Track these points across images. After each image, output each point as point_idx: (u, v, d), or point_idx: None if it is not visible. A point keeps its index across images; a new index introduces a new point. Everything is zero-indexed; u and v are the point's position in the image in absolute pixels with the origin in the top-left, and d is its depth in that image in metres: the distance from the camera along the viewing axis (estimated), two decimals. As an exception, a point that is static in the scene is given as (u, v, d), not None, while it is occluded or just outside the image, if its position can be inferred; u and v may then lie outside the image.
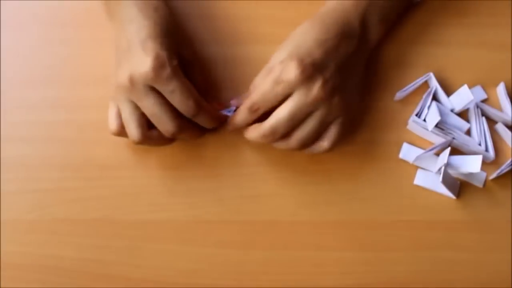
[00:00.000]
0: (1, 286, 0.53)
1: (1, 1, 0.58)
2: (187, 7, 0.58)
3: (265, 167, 0.55)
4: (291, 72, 0.48)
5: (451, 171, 0.54)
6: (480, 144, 0.54)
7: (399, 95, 0.55)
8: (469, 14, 0.58)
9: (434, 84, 0.55)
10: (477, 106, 0.55)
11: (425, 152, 0.54)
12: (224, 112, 0.53)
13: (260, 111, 0.50)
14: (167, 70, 0.47)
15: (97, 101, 0.56)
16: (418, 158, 0.54)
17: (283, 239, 0.54)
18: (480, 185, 0.54)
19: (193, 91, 0.49)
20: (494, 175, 0.54)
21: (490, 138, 0.55)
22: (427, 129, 0.54)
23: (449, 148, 0.53)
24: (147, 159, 0.55)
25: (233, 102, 0.54)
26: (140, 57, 0.47)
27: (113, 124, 0.51)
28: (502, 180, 0.55)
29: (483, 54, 0.57)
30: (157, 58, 0.47)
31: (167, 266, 0.53)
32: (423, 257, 0.54)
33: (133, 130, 0.50)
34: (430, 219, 0.54)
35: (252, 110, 0.50)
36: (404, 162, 0.55)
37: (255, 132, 0.51)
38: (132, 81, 0.47)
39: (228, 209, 0.54)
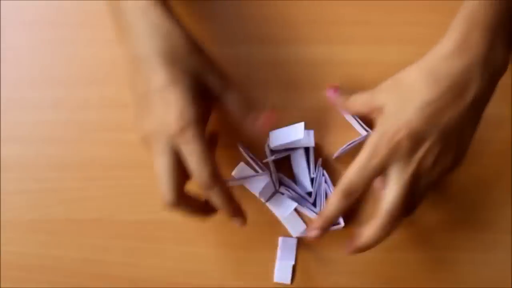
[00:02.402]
0: (1, 286, 0.53)
1: (1, 1, 0.58)
2: (186, 6, 0.58)
3: (265, 167, 0.55)
4: (384, 146, 0.45)
5: (274, 143, 0.52)
6: (315, 204, 0.53)
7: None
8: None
9: None
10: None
11: (346, 146, 0.53)
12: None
13: (355, 195, 0.46)
14: (191, 130, 0.44)
15: (97, 101, 0.56)
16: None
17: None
18: (295, 235, 0.53)
19: (212, 161, 0.45)
20: (336, 154, 0.53)
21: (324, 202, 0.53)
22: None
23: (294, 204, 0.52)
24: (147, 159, 0.55)
25: None
26: (164, 112, 0.44)
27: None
28: (502, 181, 0.55)
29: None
30: (182, 117, 0.44)
31: (167, 266, 0.53)
32: (423, 257, 0.54)
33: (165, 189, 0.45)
34: (430, 219, 0.54)
35: (347, 193, 0.46)
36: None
37: (371, 230, 0.46)
38: (155, 136, 0.45)
39: (228, 209, 0.54)
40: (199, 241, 0.54)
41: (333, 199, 0.46)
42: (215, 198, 0.46)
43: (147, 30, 0.45)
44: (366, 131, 0.53)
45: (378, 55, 0.57)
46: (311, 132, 0.54)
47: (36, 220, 0.54)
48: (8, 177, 0.55)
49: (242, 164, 0.54)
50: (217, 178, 0.45)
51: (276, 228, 0.54)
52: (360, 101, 0.50)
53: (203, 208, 0.48)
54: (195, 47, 0.47)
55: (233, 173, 0.54)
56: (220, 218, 0.54)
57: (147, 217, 0.54)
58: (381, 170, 0.46)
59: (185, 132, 0.44)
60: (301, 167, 0.54)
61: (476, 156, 0.55)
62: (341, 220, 0.52)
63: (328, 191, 0.53)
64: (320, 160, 0.54)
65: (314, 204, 0.53)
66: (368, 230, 0.46)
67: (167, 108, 0.44)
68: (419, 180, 0.46)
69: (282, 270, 0.53)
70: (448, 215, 0.54)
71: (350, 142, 0.53)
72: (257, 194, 0.53)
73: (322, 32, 0.57)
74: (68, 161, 0.55)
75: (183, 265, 0.53)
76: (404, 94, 0.46)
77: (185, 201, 0.46)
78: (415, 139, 0.45)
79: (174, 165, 0.45)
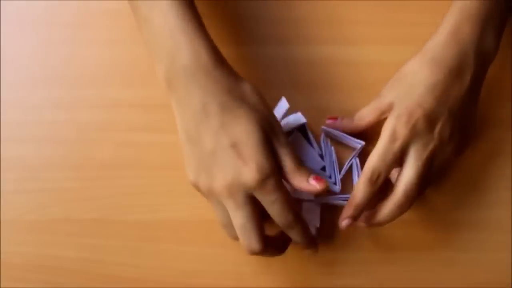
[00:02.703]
0: (1, 286, 0.53)
1: (1, 1, 0.58)
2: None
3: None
4: (403, 128, 0.47)
5: None
6: (330, 177, 0.54)
7: None
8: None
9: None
10: (326, 135, 0.54)
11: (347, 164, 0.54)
12: (331, 200, 0.52)
13: (381, 179, 0.47)
14: (272, 182, 0.44)
15: (97, 101, 0.56)
16: None
17: (283, 239, 0.54)
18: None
19: (292, 203, 0.46)
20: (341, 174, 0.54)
21: (338, 170, 0.54)
22: None
23: None
24: (147, 159, 0.55)
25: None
26: (238, 166, 0.44)
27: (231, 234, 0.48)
28: (502, 181, 0.55)
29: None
30: (261, 170, 0.43)
31: (167, 266, 0.53)
32: (423, 257, 0.54)
33: (252, 240, 0.46)
34: (430, 219, 0.54)
35: (373, 179, 0.47)
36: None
37: (387, 209, 0.48)
38: (230, 191, 0.44)
39: (228, 209, 0.54)
40: (199, 241, 0.54)
41: (359, 187, 0.48)
42: (295, 236, 0.48)
43: (214, 85, 0.45)
44: (359, 143, 0.53)
45: (378, 55, 0.57)
46: (298, 114, 0.54)
47: (36, 220, 0.54)
48: (8, 177, 0.55)
49: None
50: (298, 219, 0.47)
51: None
52: (368, 111, 0.52)
53: (280, 246, 0.50)
54: (263, 99, 0.47)
55: None
56: (220, 218, 0.54)
57: (147, 217, 0.54)
58: (402, 152, 0.47)
59: (266, 184, 0.44)
60: (303, 147, 0.54)
61: (476, 156, 0.55)
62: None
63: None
64: (322, 134, 0.54)
65: (330, 177, 0.54)
66: (385, 208, 0.48)
67: (243, 163, 0.44)
68: (435, 159, 0.48)
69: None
70: (448, 215, 0.54)
71: (348, 160, 0.54)
72: None
73: (323, 32, 0.57)
74: (68, 161, 0.55)
75: (183, 265, 0.53)
76: (411, 82, 0.49)
77: (268, 244, 0.46)
78: (430, 119, 0.47)
79: (256, 215, 0.45)
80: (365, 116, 0.52)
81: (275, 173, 0.44)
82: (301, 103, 0.55)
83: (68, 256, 0.54)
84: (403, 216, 0.54)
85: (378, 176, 0.47)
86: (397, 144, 0.47)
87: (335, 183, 0.54)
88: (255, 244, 0.45)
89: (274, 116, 0.48)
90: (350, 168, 0.54)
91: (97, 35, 0.57)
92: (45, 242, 0.54)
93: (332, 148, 0.54)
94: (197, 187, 0.46)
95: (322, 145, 0.54)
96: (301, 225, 0.47)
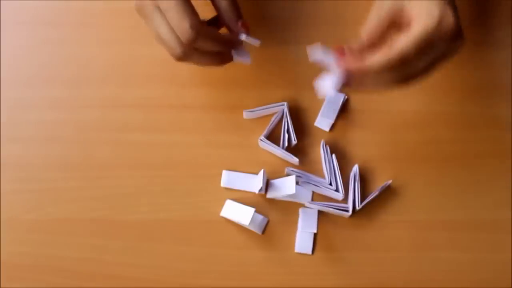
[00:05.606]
0: (1, 286, 0.53)
1: (1, 1, 0.58)
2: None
3: (265, 167, 0.55)
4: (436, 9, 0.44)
5: (270, 194, 0.54)
6: (330, 184, 0.54)
7: (248, 114, 0.55)
8: (469, 14, 0.58)
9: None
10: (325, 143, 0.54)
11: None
12: (330, 208, 0.52)
13: (407, 68, 0.44)
14: None
15: (97, 101, 0.56)
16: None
17: (283, 239, 0.54)
18: (260, 231, 0.54)
19: (192, 13, 0.46)
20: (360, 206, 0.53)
21: (340, 177, 0.53)
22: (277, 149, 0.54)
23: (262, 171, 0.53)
24: (147, 159, 0.55)
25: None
26: None
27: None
28: (502, 181, 0.55)
29: (483, 54, 0.57)
30: None
31: (167, 266, 0.53)
32: (423, 257, 0.54)
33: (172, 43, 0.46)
34: (430, 219, 0.54)
35: (400, 64, 0.44)
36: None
37: (378, 57, 0.44)
38: (144, 2, 0.46)
39: (228, 209, 0.54)
40: (199, 241, 0.54)
41: (380, 60, 0.44)
42: (206, 47, 0.48)
43: None
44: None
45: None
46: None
47: (36, 220, 0.54)
48: (8, 177, 0.55)
49: (229, 201, 0.54)
50: (199, 26, 0.46)
51: (275, 229, 0.54)
52: (373, 19, 0.46)
53: (213, 57, 0.50)
54: None
55: (222, 213, 0.54)
56: (220, 218, 0.54)
57: (147, 217, 0.54)
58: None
59: None
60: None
61: (476, 156, 0.55)
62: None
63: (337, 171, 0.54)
64: (322, 141, 0.54)
65: (330, 184, 0.54)
66: (376, 56, 0.44)
67: None
68: (441, 39, 0.44)
69: (303, 239, 0.53)
70: (448, 215, 0.54)
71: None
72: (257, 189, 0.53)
73: (323, 32, 0.57)
74: (68, 161, 0.55)
75: (183, 265, 0.53)
76: None
77: (191, 51, 0.47)
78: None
79: (168, 23, 0.46)
80: (372, 26, 0.46)
81: None
82: (297, 103, 0.56)
83: (68, 256, 0.54)
84: (403, 217, 0.54)
85: (407, 63, 0.44)
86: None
87: (336, 190, 0.53)
88: (177, 48, 0.46)
89: None
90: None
91: (97, 35, 0.57)
92: (45, 242, 0.54)
93: (333, 155, 0.54)
94: (137, 5, 0.47)
95: (322, 153, 0.54)
96: (204, 35, 0.46)
